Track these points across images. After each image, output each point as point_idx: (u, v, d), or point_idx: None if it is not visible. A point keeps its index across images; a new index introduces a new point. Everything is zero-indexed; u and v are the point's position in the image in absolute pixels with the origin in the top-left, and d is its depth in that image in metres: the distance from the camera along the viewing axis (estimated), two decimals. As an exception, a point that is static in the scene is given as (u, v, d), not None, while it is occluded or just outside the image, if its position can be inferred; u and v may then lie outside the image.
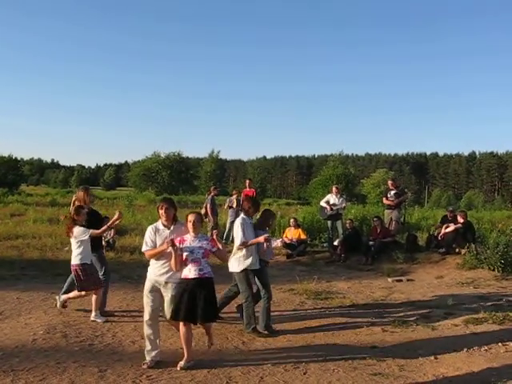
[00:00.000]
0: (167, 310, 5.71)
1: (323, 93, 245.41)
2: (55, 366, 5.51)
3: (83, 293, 7.48)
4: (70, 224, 7.46)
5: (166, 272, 5.75)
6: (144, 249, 5.89)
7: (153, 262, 5.87)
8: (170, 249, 5.58)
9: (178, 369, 5.49)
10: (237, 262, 6.98)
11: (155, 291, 5.80)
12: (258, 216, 8.02)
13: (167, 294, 5.74)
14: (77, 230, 7.37)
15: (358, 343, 6.57)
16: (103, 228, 7.53)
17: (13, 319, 7.34)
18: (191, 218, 5.74)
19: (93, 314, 7.46)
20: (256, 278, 7.19)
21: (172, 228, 5.87)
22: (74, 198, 8.15)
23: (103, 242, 13.45)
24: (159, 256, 5.77)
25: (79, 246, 7.37)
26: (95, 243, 7.68)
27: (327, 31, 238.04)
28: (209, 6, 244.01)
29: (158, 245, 5.79)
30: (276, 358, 5.92)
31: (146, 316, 5.81)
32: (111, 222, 7.67)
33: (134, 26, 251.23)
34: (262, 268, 7.25)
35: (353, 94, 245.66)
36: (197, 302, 5.54)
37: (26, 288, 9.40)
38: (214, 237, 5.90)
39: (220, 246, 5.87)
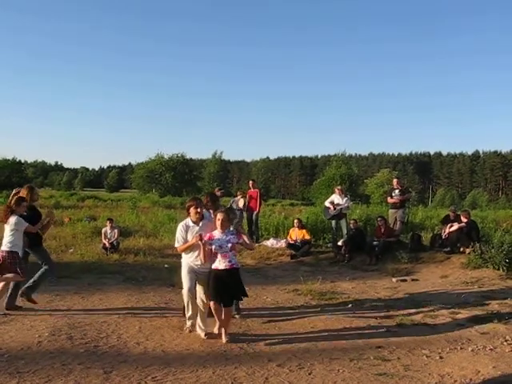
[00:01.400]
0: (200, 293, 6.61)
1: (326, 93, 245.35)
2: (60, 367, 5.51)
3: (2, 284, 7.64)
4: (8, 212, 7.67)
5: (199, 263, 6.59)
6: (176, 244, 6.81)
7: (186, 255, 6.74)
8: (199, 243, 6.34)
9: (224, 342, 6.38)
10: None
11: (192, 272, 6.65)
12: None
13: (200, 279, 6.64)
14: (13, 218, 7.60)
15: (363, 343, 6.56)
16: (38, 225, 7.82)
17: (18, 321, 7.34)
18: (220, 216, 6.49)
19: None
20: None
21: (201, 224, 6.68)
22: (15, 191, 8.21)
23: (106, 244, 13.66)
24: (190, 249, 6.61)
25: (12, 235, 7.58)
26: (35, 239, 7.93)
27: (329, 30, 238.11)
28: (214, 6, 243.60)
29: (189, 240, 6.62)
30: (281, 358, 5.91)
31: (186, 288, 6.64)
32: (43, 219, 8.00)
33: (136, 27, 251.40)
34: None
35: (355, 93, 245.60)
36: (228, 288, 6.40)
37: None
38: (241, 230, 6.97)
39: (245, 238, 6.70)
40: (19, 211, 7.69)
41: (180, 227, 6.77)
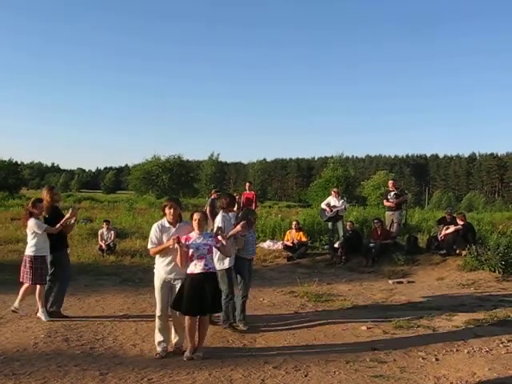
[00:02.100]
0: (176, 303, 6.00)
1: (323, 94, 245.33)
2: (56, 369, 5.51)
3: (22, 290, 7.67)
4: (26, 216, 7.61)
5: (174, 269, 6.09)
6: (149, 246, 6.24)
7: (159, 260, 6.21)
8: (176, 245, 5.88)
9: (185, 359, 5.86)
10: (217, 260, 7.03)
11: (165, 287, 6.13)
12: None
13: (176, 291, 6.07)
14: (31, 222, 7.52)
15: (359, 345, 6.56)
16: (57, 225, 7.56)
17: (14, 323, 7.34)
18: (196, 216, 6.11)
19: (39, 310, 7.53)
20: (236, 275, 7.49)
21: (177, 226, 6.20)
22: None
23: (102, 246, 13.62)
24: (165, 253, 6.11)
25: (33, 238, 7.52)
26: (56, 243, 7.71)
27: (325, 32, 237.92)
28: (210, 7, 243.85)
29: (163, 242, 6.11)
30: (277, 360, 5.91)
31: (158, 312, 6.17)
32: (64, 219, 7.65)
33: (133, 27, 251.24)
34: (242, 265, 7.48)
35: (352, 95, 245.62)
36: (204, 295, 5.90)
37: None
38: (219, 237, 6.24)
39: (224, 242, 6.31)
40: (37, 213, 7.59)
41: (155, 227, 6.24)
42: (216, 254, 6.99)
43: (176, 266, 6.04)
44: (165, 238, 6.12)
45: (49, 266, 7.70)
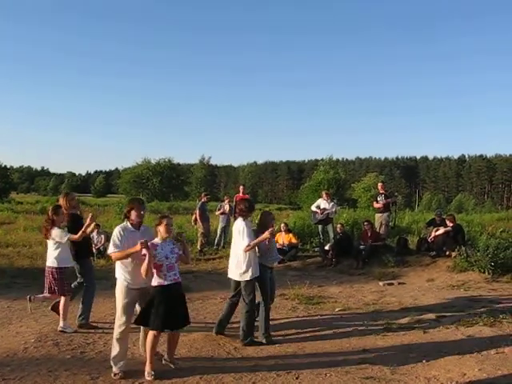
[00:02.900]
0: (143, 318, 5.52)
1: (312, 97, 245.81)
2: (47, 374, 5.49)
3: (48, 295, 7.33)
4: (48, 225, 7.24)
5: (137, 278, 5.57)
6: (111, 250, 5.60)
7: (121, 268, 5.68)
8: (144, 251, 5.36)
9: (149, 378, 5.40)
10: (240, 270, 6.70)
11: (129, 297, 5.63)
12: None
13: (141, 303, 5.66)
14: (55, 231, 7.17)
15: (350, 347, 6.59)
16: (80, 232, 7.15)
17: (4, 328, 7.30)
18: (167, 221, 5.63)
19: (61, 323, 7.23)
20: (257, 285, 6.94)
21: (142, 230, 5.78)
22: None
23: (92, 250, 13.53)
24: (130, 260, 5.57)
25: (57, 248, 7.19)
26: (81, 250, 7.50)
27: (313, 36, 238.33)
28: (197, 13, 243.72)
29: (126, 247, 5.56)
30: (268, 363, 5.93)
31: (120, 321, 5.65)
32: (85, 226, 7.26)
33: (123, 33, 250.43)
34: (265, 274, 6.98)
35: (342, 97, 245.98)
36: (177, 308, 5.52)
37: (16, 296, 9.35)
38: (184, 240, 5.96)
39: (186, 248, 5.93)
40: (59, 221, 7.26)
41: (118, 231, 5.65)
42: (235, 261, 6.76)
43: (140, 275, 5.46)
44: (127, 243, 5.56)
45: (78, 275, 7.56)
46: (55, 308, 7.48)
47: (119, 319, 5.64)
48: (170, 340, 5.75)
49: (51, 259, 7.24)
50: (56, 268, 7.18)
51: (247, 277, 6.67)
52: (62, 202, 7.61)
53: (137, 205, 5.76)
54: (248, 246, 6.57)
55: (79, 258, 7.49)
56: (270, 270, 7.15)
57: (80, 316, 7.43)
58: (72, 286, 7.49)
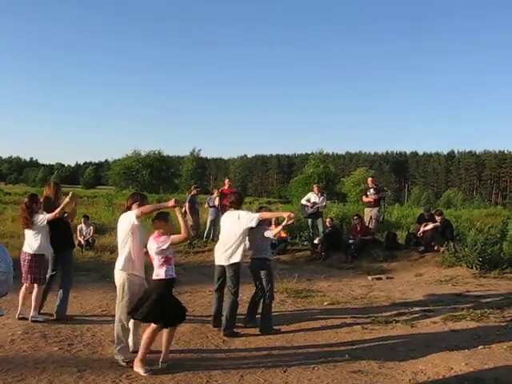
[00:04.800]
0: (142, 311, 5.43)
1: (303, 91, 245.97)
2: (34, 366, 5.47)
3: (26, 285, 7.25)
4: (28, 214, 7.15)
5: (138, 269, 5.71)
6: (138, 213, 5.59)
7: (124, 258, 5.70)
8: (177, 211, 5.62)
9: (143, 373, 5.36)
10: (228, 254, 6.83)
11: (133, 288, 5.68)
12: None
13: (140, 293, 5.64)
14: (36, 217, 7.10)
15: (338, 341, 6.61)
16: (57, 209, 7.07)
17: (-10, 320, 7.25)
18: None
19: (32, 312, 7.16)
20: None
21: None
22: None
23: (81, 242, 13.50)
24: (133, 252, 5.66)
25: (36, 237, 7.11)
26: (64, 241, 7.40)
27: (305, 30, 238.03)
28: (190, 6, 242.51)
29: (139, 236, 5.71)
30: (256, 356, 5.94)
31: (123, 316, 5.72)
32: (64, 203, 7.18)
33: (109, 24, 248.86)
34: (270, 266, 7.27)
35: (332, 92, 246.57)
36: (172, 304, 5.53)
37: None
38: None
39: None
40: (37, 208, 7.16)
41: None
42: (222, 249, 6.88)
43: (139, 266, 5.68)
44: (140, 232, 5.70)
45: (50, 266, 7.43)
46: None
47: (123, 312, 5.69)
48: (168, 338, 5.58)
49: (29, 245, 7.17)
50: (33, 255, 7.12)
51: (236, 258, 6.82)
52: (50, 191, 7.47)
53: (140, 199, 5.92)
54: (260, 217, 6.78)
55: (60, 250, 7.39)
56: (269, 262, 7.32)
57: (57, 311, 7.33)
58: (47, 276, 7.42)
